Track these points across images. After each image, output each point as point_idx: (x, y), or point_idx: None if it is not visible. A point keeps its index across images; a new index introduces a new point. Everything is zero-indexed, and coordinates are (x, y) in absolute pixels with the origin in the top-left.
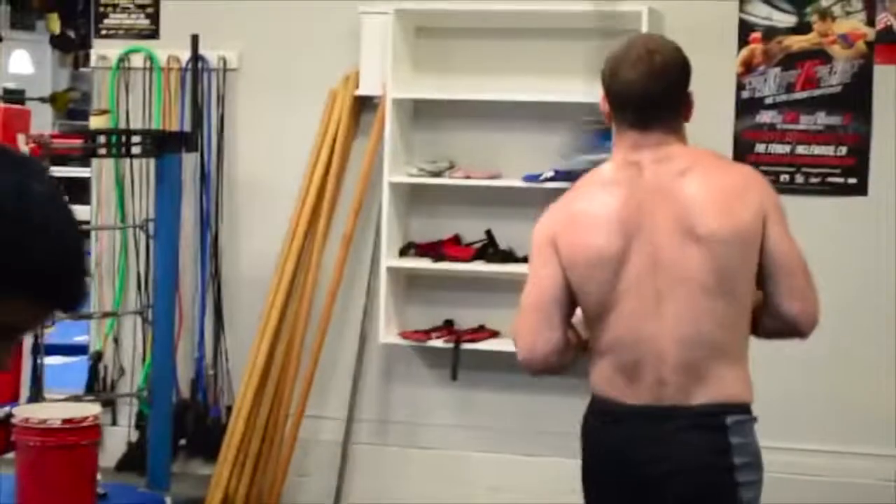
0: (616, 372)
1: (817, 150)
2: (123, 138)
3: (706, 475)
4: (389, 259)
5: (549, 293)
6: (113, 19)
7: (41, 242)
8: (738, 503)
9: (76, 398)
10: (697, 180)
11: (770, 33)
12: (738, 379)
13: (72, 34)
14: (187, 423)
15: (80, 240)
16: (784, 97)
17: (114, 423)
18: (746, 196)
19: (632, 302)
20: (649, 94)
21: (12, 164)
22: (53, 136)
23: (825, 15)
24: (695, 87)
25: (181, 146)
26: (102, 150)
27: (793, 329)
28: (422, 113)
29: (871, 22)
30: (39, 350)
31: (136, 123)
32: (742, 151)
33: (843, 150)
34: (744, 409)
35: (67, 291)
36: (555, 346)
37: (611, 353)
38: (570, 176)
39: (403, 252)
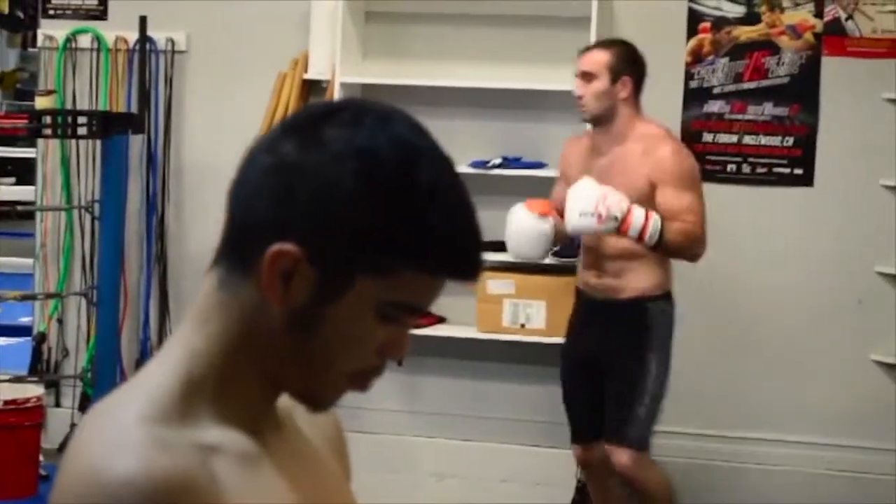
0: None
1: (764, 140)
2: (69, 119)
3: None
4: None
5: None
6: None
7: (430, 208)
8: None
9: (19, 379)
10: None
11: (719, 23)
12: None
13: (20, 14)
14: None
15: (470, 199)
16: (732, 87)
17: (57, 404)
18: None
19: None
20: None
21: (380, 118)
22: None
23: (774, 6)
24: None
25: (128, 128)
26: (48, 131)
27: None
28: (370, 98)
29: (819, 14)
30: None
31: (82, 104)
32: (689, 140)
33: (790, 140)
34: None
35: (463, 260)
36: None
37: None
38: (519, 164)
39: None
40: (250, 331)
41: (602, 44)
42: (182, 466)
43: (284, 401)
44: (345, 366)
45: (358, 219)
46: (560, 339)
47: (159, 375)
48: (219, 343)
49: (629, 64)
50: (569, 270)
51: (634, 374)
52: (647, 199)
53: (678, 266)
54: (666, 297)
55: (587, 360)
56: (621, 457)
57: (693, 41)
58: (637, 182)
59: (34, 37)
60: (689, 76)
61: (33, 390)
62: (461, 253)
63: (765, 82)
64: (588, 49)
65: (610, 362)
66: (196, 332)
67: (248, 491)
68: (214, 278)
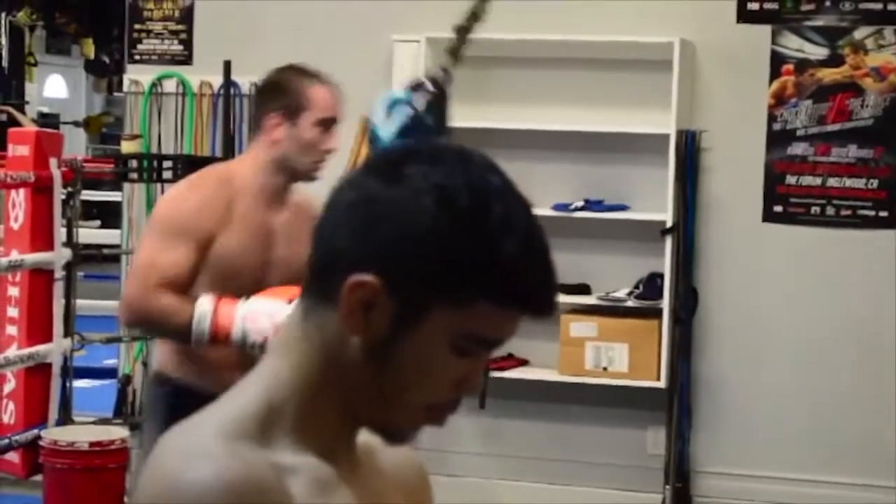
0: None
1: (848, 182)
2: (155, 163)
3: None
4: None
5: None
6: (146, 45)
7: (504, 240)
8: None
9: (104, 421)
10: None
11: (802, 65)
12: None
13: (106, 59)
14: None
15: (545, 236)
16: (816, 129)
17: (142, 446)
18: None
19: None
20: None
21: (458, 158)
22: (85, 161)
23: (857, 48)
24: (726, 117)
25: None
26: (134, 175)
27: None
28: (453, 144)
29: None
30: (69, 373)
31: (167, 148)
32: (773, 183)
33: (875, 182)
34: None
35: (538, 294)
36: None
37: None
38: (601, 206)
39: None
40: (331, 361)
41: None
42: (256, 475)
43: (368, 440)
44: (420, 398)
45: (434, 251)
46: (643, 382)
47: (241, 399)
48: (301, 372)
49: None
50: (652, 313)
51: None
52: None
53: (770, 308)
54: (158, 377)
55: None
56: None
57: (776, 83)
58: None
59: (120, 81)
60: (772, 118)
61: (118, 432)
62: (534, 286)
63: (849, 124)
64: (330, 85)
65: None
66: (280, 360)
67: None
68: (300, 310)
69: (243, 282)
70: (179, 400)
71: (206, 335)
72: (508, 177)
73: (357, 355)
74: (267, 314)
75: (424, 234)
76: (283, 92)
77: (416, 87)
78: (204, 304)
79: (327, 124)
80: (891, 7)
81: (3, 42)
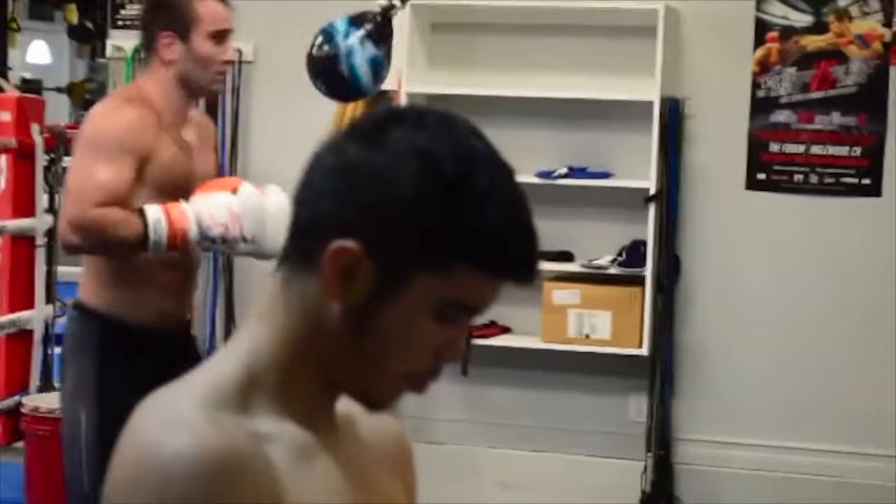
0: None
1: (832, 150)
2: None
3: None
4: None
5: None
6: (130, 10)
7: (488, 206)
8: None
9: None
10: None
11: (787, 33)
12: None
13: (89, 25)
14: None
15: (528, 202)
16: (799, 97)
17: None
18: None
19: None
20: None
21: (441, 123)
22: (68, 127)
23: (842, 15)
24: (710, 85)
25: None
26: None
27: None
28: (436, 108)
29: (888, 23)
30: (50, 339)
31: None
32: (756, 150)
33: (858, 150)
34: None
35: (519, 259)
36: None
37: None
38: (584, 174)
39: None
40: (311, 327)
41: None
42: (235, 445)
43: (348, 408)
44: (401, 366)
45: (416, 217)
46: (626, 350)
47: (220, 367)
48: (281, 338)
49: None
50: (635, 281)
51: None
52: None
53: (752, 276)
54: (83, 310)
55: None
56: None
57: (760, 50)
58: None
59: (103, 47)
60: (756, 85)
61: None
62: (517, 252)
63: (832, 92)
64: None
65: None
66: (259, 327)
67: (302, 479)
68: (279, 277)
69: (174, 198)
70: (110, 335)
71: (165, 239)
72: (491, 142)
73: (338, 322)
74: (221, 204)
75: (407, 200)
76: (170, 9)
77: (360, 20)
78: (153, 210)
79: (220, 37)
80: None
81: None
